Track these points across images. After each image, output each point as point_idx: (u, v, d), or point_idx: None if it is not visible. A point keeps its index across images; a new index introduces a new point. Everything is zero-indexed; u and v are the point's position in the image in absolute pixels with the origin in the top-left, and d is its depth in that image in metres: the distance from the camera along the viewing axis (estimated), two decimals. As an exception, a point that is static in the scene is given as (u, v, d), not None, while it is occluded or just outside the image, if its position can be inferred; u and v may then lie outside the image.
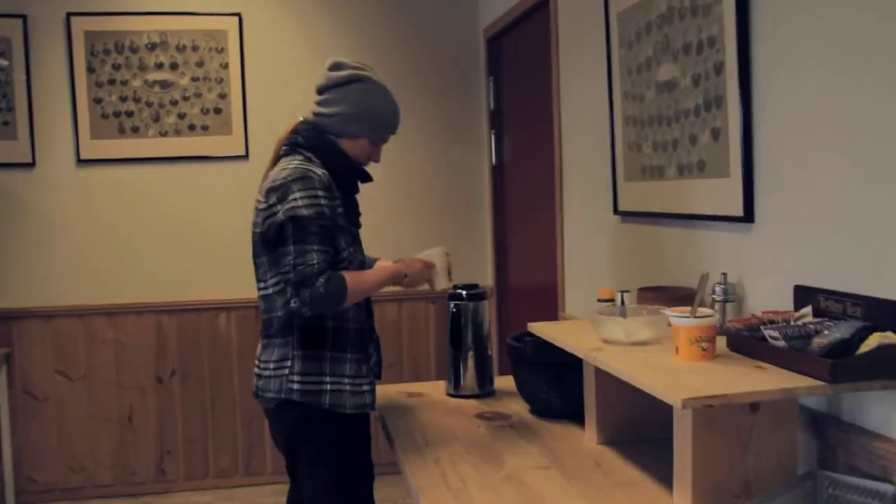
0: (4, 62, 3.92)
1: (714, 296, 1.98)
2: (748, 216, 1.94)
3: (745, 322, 1.73)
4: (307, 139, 2.20)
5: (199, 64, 4.09)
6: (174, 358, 4.18)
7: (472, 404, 2.53)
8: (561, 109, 3.21)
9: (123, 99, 4.05)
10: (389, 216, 4.31)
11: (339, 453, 2.20)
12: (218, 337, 4.16)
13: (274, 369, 2.18)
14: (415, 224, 4.34)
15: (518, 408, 2.44)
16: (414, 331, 4.37)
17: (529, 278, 3.89)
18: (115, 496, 4.12)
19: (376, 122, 2.26)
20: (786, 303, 1.79)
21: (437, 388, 2.72)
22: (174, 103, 4.09)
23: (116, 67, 4.03)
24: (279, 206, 2.07)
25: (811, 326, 1.58)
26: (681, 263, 2.29)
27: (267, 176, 2.20)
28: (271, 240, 2.12)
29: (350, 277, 2.08)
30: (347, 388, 2.17)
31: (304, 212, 2.05)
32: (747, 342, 1.69)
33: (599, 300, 2.24)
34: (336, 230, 2.13)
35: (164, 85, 4.08)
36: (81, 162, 4.05)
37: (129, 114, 4.06)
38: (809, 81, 1.72)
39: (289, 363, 2.15)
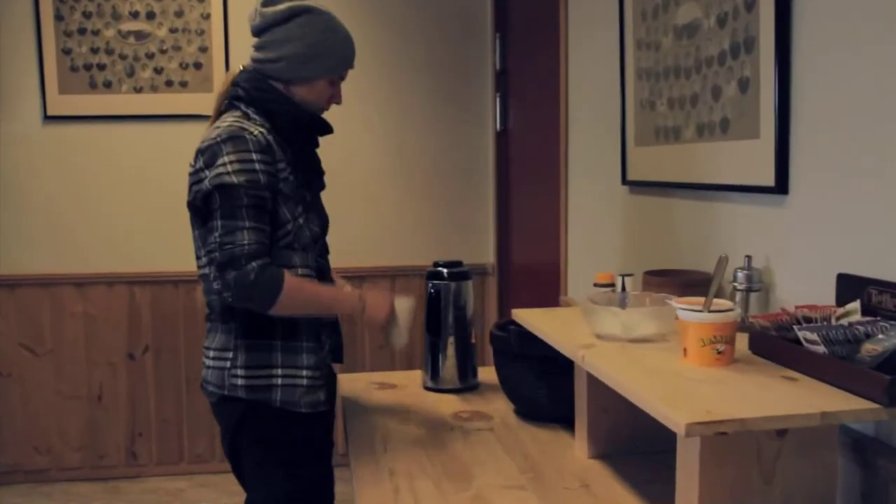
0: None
1: (735, 283, 1.62)
2: (781, 186, 1.57)
3: (774, 318, 1.36)
4: (247, 91, 1.84)
5: (178, 14, 3.74)
6: (148, 333, 3.87)
7: (451, 400, 2.18)
8: (569, 65, 2.82)
9: (95, 51, 3.71)
10: (381, 188, 3.95)
11: (291, 457, 1.87)
12: (195, 312, 3.83)
13: (214, 358, 1.85)
14: (410, 197, 3.98)
15: (503, 407, 2.10)
16: (408, 310, 4.02)
17: (533, 256, 3.53)
18: (82, 479, 3.83)
19: (332, 60, 1.88)
20: (826, 295, 1.42)
21: (414, 379, 2.38)
22: (150, 56, 3.74)
23: (87, 15, 3.69)
24: (205, 172, 1.74)
25: (859, 328, 1.21)
26: (697, 243, 1.93)
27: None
28: (200, 211, 1.78)
29: (290, 279, 1.74)
30: (304, 382, 1.83)
31: (234, 178, 1.70)
32: (775, 344, 1.33)
33: (596, 285, 1.88)
34: (277, 201, 1.78)
35: (140, 36, 3.74)
36: (49, 119, 3.72)
37: (101, 67, 3.72)
38: (862, 17, 1.34)
39: (230, 354, 1.81)
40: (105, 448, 3.87)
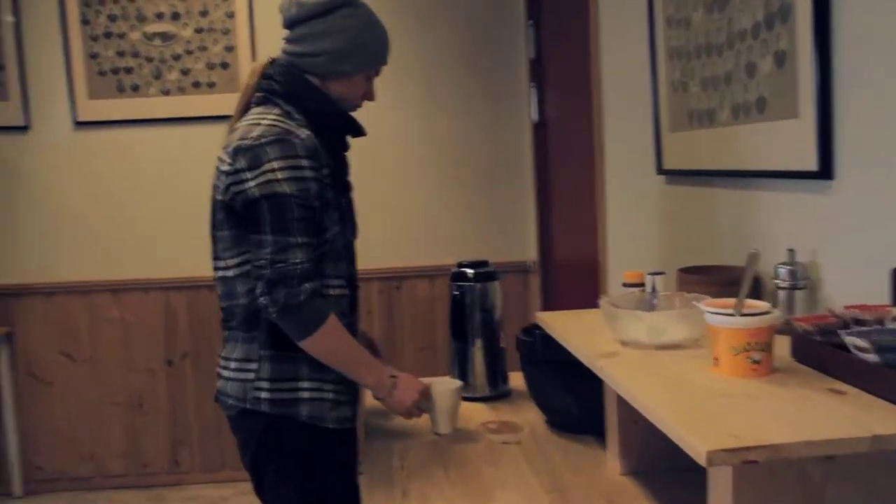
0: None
1: (777, 281, 1.46)
2: (825, 171, 1.40)
3: (818, 321, 1.20)
4: (284, 86, 1.72)
5: (203, 13, 3.67)
6: (185, 339, 3.82)
7: (479, 409, 2.06)
8: (600, 50, 2.66)
9: (121, 54, 3.67)
10: (416, 184, 3.83)
11: (316, 475, 1.76)
12: (230, 316, 3.77)
13: (235, 370, 1.73)
14: (446, 193, 3.85)
15: (534, 417, 1.96)
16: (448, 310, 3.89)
17: (576, 252, 3.37)
18: (126, 487, 3.81)
19: (372, 54, 1.78)
20: (880, 293, 1.26)
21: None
22: (177, 58, 3.69)
23: (112, 19, 3.65)
24: (248, 175, 1.61)
25: (917, 332, 1.05)
26: (737, 236, 1.76)
27: (232, 129, 1.74)
28: (237, 214, 1.66)
29: (334, 318, 1.65)
30: (330, 395, 1.71)
31: (285, 188, 1.59)
32: (820, 351, 1.17)
33: (625, 285, 1.73)
34: (323, 210, 1.67)
35: (165, 38, 3.68)
36: (79, 125, 3.69)
37: (129, 70, 3.68)
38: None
39: (254, 366, 1.70)
40: (148, 455, 3.85)
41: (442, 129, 3.82)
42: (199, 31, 3.68)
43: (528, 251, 3.88)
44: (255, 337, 1.70)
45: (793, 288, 1.44)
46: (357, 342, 1.73)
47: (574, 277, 3.40)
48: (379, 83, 1.86)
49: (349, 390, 1.77)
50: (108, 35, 3.66)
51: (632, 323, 1.38)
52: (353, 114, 1.82)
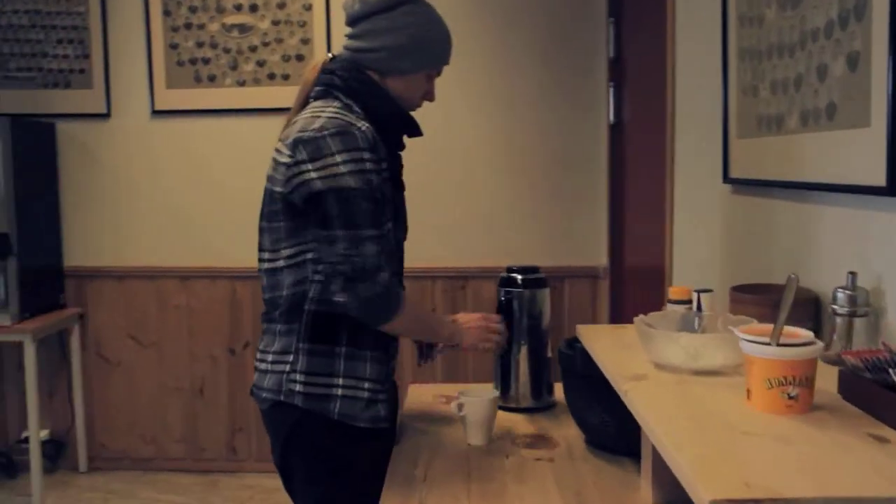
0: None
1: (835, 306, 1.32)
2: (894, 187, 1.26)
3: (869, 355, 1.07)
4: (345, 80, 1.69)
5: (281, 5, 3.68)
6: (248, 328, 3.84)
7: (519, 421, 1.96)
8: (675, 50, 2.52)
9: (200, 44, 3.71)
10: (485, 184, 3.74)
11: (347, 475, 1.71)
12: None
13: (272, 362, 1.71)
14: (516, 194, 3.75)
15: (573, 433, 1.85)
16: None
17: (645, 259, 3.22)
18: (184, 471, 3.86)
19: (434, 53, 1.76)
20: (945, 327, 1.11)
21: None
22: (253, 49, 3.71)
23: (193, 10, 3.70)
24: (309, 166, 1.58)
25: (980, 377, 0.91)
26: (798, 254, 1.62)
27: (291, 122, 1.71)
28: (295, 207, 1.63)
29: (410, 303, 1.69)
30: (365, 395, 1.68)
31: (350, 182, 1.56)
32: (868, 390, 1.04)
33: (670, 302, 1.60)
34: (383, 202, 1.64)
35: (243, 29, 3.71)
36: (156, 113, 3.76)
37: (206, 61, 3.72)
38: None
39: (291, 357, 1.68)
40: (206, 441, 3.89)
41: (516, 129, 3.72)
42: (275, 22, 3.70)
43: (599, 256, 3.74)
44: (295, 329, 1.68)
45: (852, 315, 1.30)
46: (422, 307, 1.72)
47: (643, 286, 3.25)
48: (451, 80, 1.82)
49: (385, 389, 1.73)
50: (188, 26, 3.71)
51: (666, 345, 1.27)
52: (412, 113, 1.79)
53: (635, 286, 3.37)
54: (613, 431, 1.68)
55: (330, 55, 1.77)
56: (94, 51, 3.73)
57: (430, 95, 1.80)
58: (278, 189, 1.65)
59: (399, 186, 1.77)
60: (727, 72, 1.98)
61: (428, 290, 3.66)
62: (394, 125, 1.73)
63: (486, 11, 3.67)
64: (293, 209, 1.64)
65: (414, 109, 1.79)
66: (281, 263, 1.68)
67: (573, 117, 3.72)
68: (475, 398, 1.78)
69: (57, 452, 3.85)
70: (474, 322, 1.86)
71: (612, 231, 3.65)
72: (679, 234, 2.53)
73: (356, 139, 1.58)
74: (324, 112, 1.62)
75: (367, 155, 1.59)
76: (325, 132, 1.58)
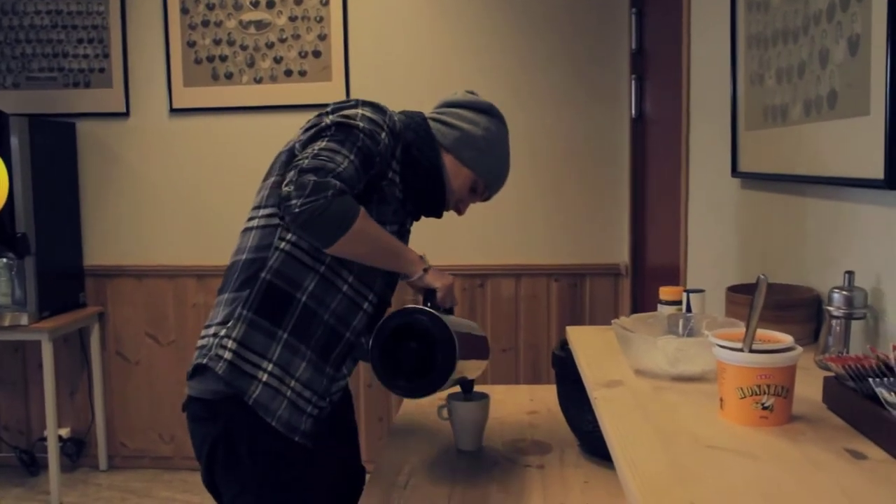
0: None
1: (830, 308, 1.22)
2: (893, 180, 1.16)
3: (853, 362, 0.98)
4: (408, 125, 1.69)
5: (298, 1, 3.64)
6: (266, 327, 3.81)
7: (516, 426, 1.90)
8: (691, 41, 2.42)
9: (217, 42, 3.69)
10: (507, 183, 3.65)
11: (261, 467, 1.54)
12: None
13: (213, 335, 1.54)
14: (537, 190, 3.66)
15: (569, 439, 1.78)
16: (533, 311, 3.71)
17: (664, 257, 3.12)
18: (204, 470, 3.85)
19: (492, 166, 1.76)
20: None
21: (513, 394, 2.11)
22: (270, 46, 3.68)
23: (210, 7, 3.68)
24: (330, 112, 1.60)
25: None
26: (798, 252, 1.52)
27: None
28: (296, 157, 1.55)
29: (365, 213, 1.51)
30: (288, 393, 1.52)
31: (360, 124, 1.56)
32: (849, 401, 0.95)
33: (661, 303, 1.52)
34: (380, 179, 1.59)
35: (260, 26, 3.68)
36: (174, 111, 3.75)
37: (223, 58, 3.70)
38: None
39: (230, 323, 1.52)
40: (225, 440, 3.87)
41: (536, 123, 3.63)
42: (292, 18, 3.66)
43: (620, 254, 3.64)
44: (243, 297, 1.53)
45: (848, 318, 1.20)
46: (383, 231, 1.57)
47: (664, 284, 3.14)
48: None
49: (317, 405, 1.56)
50: (205, 23, 3.69)
51: (645, 349, 1.19)
52: None
53: (656, 284, 3.26)
54: (603, 438, 1.60)
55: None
56: (114, 50, 3.74)
57: (462, 206, 1.79)
58: (289, 146, 1.62)
59: (414, 214, 1.75)
60: (735, 60, 1.88)
61: (447, 289, 3.59)
62: (424, 187, 1.68)
63: (507, 4, 3.59)
64: (292, 159, 1.55)
65: (441, 210, 1.76)
66: (254, 223, 1.60)
67: (595, 111, 3.62)
68: (463, 402, 1.72)
69: (78, 451, 3.87)
70: (447, 276, 1.66)
71: (634, 228, 3.54)
72: (693, 230, 2.43)
73: (384, 112, 1.62)
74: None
75: (386, 128, 1.59)
76: (358, 99, 1.64)
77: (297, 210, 1.42)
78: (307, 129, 1.60)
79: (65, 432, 3.84)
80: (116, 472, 3.85)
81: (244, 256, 1.59)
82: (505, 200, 3.64)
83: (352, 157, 1.51)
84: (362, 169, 1.53)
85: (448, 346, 1.44)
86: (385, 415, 3.74)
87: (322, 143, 1.51)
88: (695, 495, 0.77)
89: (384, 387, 1.51)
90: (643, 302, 3.44)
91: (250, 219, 1.63)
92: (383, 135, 1.57)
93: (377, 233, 1.54)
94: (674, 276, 2.75)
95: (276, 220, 1.57)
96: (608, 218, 3.66)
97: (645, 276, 3.43)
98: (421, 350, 1.48)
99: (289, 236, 1.55)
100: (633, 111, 3.46)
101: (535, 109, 3.62)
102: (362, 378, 3.73)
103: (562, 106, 3.63)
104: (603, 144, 3.64)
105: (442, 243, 3.50)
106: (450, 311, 1.64)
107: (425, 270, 1.62)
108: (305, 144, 1.55)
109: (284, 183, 1.46)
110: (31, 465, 3.83)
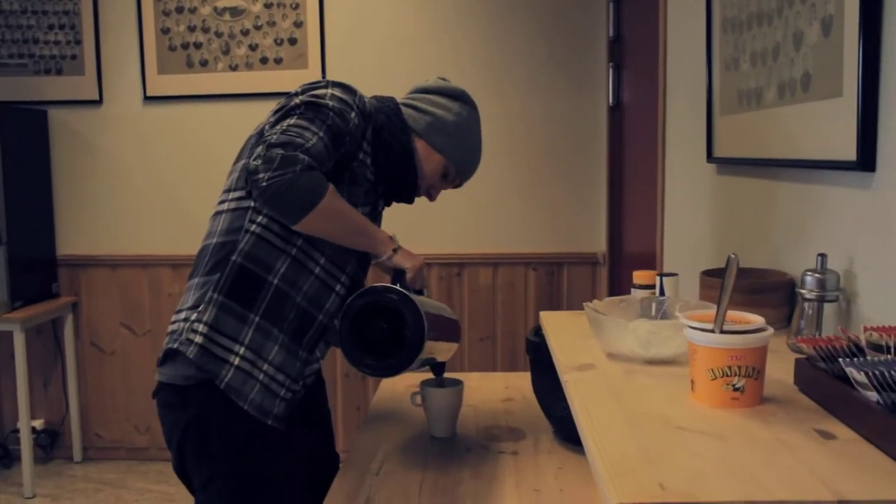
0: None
1: (803, 291, 1.22)
2: (865, 161, 1.15)
3: (824, 344, 0.97)
4: (379, 109, 1.67)
5: (273, -12, 3.61)
6: (243, 317, 3.78)
7: (493, 412, 1.88)
8: (667, 27, 2.42)
9: (192, 29, 3.65)
10: (483, 168, 3.64)
11: (234, 463, 1.52)
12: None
13: (184, 320, 1.53)
14: (514, 178, 3.64)
15: (544, 425, 1.77)
16: (511, 300, 3.71)
17: (641, 245, 3.12)
18: (180, 461, 3.82)
19: (463, 152, 1.75)
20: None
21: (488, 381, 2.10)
22: (245, 33, 3.63)
23: (184, -7, 3.64)
24: (299, 93, 1.58)
25: (938, 367, 0.81)
26: (774, 235, 1.52)
27: None
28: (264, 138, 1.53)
29: (333, 191, 1.49)
30: (260, 376, 1.50)
31: (329, 103, 1.54)
32: (819, 382, 0.94)
33: (635, 287, 1.51)
34: (350, 160, 1.58)
35: (235, 12, 3.63)
36: (148, 99, 3.70)
37: (198, 45, 3.65)
38: None
39: (201, 307, 1.51)
40: (201, 431, 3.84)
41: (514, 112, 3.62)
42: (268, 5, 3.62)
43: (598, 242, 3.64)
44: (213, 280, 1.51)
45: (821, 300, 1.20)
46: (353, 210, 1.56)
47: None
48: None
49: (290, 388, 1.54)
50: (179, 10, 3.64)
51: (617, 332, 1.17)
52: None
53: (633, 271, 3.26)
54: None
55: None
56: (86, 36, 3.68)
57: (433, 191, 1.77)
58: (259, 128, 1.60)
59: (385, 198, 1.73)
60: (710, 45, 1.87)
61: (425, 278, 3.57)
62: (395, 171, 1.67)
63: (482, -9, 3.57)
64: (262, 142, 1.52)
65: (412, 196, 1.75)
66: (224, 206, 1.59)
67: (573, 100, 3.62)
68: (436, 388, 1.71)
69: (52, 442, 3.83)
70: (418, 257, 1.64)
71: (612, 216, 3.54)
72: (669, 217, 2.43)
73: (354, 93, 1.60)
74: None
75: (355, 108, 1.57)
76: (329, 80, 1.61)
77: (264, 184, 1.41)
78: (276, 111, 1.58)
79: (38, 424, 3.79)
80: (91, 464, 3.81)
81: (214, 240, 1.57)
82: (482, 189, 3.66)
83: (321, 133, 1.50)
84: (332, 146, 1.51)
85: (417, 326, 1.42)
86: (362, 404, 3.72)
87: (291, 121, 1.50)
88: (663, 476, 0.76)
89: (351, 365, 1.49)
90: (621, 290, 3.44)
91: (220, 202, 1.61)
92: (353, 114, 1.57)
93: (346, 210, 1.53)
94: (651, 263, 2.75)
95: (246, 203, 1.55)
96: (586, 206, 3.65)
97: (623, 265, 3.43)
98: (390, 330, 1.46)
99: (259, 218, 1.53)
100: (611, 99, 3.45)
101: (513, 98, 3.61)
102: (339, 367, 3.71)
103: (539, 94, 3.61)
104: (580, 133, 3.63)
105: (419, 232, 3.49)
106: (419, 293, 1.62)
107: (395, 251, 1.60)
108: (274, 124, 1.53)
109: (252, 157, 1.45)
110: (5, 457, 3.78)
